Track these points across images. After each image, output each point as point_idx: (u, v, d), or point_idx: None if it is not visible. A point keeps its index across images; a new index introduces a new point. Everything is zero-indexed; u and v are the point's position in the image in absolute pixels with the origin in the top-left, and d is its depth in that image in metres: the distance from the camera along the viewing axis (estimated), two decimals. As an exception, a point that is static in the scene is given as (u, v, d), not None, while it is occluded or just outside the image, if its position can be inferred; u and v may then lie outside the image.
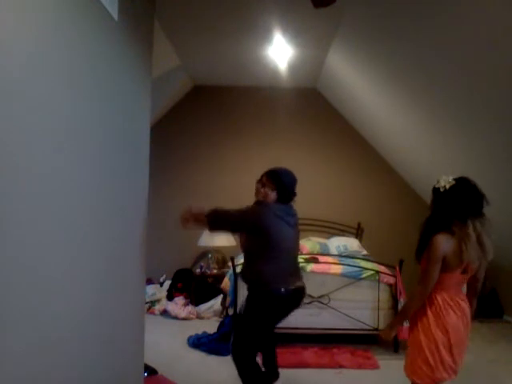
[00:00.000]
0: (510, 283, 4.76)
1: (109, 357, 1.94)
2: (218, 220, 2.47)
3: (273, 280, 2.43)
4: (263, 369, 2.67)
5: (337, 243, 5.04)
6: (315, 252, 4.56)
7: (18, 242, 1.21)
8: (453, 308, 2.00)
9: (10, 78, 1.15)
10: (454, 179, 2.02)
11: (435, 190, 2.06)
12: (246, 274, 2.58)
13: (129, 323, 2.22)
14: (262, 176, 2.59)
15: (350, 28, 3.64)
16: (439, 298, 2.01)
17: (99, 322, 1.80)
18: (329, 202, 5.73)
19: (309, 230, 5.26)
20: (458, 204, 1.97)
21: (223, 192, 5.63)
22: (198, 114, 5.82)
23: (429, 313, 2.01)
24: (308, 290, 2.68)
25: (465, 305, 2.05)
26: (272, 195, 2.49)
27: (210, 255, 5.42)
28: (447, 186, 2.00)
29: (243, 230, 2.59)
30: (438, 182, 2.05)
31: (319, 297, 3.70)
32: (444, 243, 1.95)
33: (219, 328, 3.99)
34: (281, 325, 2.63)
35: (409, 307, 2.10)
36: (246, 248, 2.57)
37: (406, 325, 3.64)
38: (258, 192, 2.57)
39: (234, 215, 2.46)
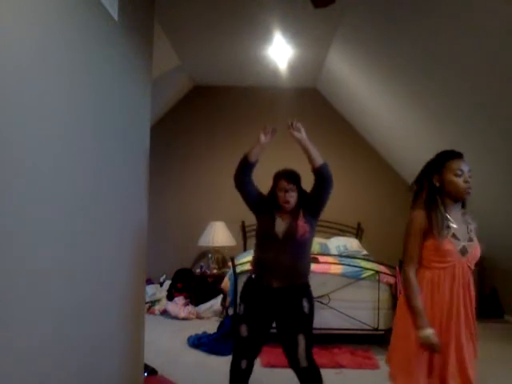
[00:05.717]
0: (510, 283, 4.75)
1: (109, 357, 1.94)
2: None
3: None
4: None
5: (337, 243, 5.04)
6: (315, 252, 4.55)
7: (18, 242, 1.21)
8: None
9: (10, 78, 1.15)
10: None
11: None
12: (306, 267, 2.43)
13: (129, 323, 2.22)
14: (277, 179, 2.43)
15: (350, 28, 3.64)
16: None
17: (99, 322, 1.81)
18: (329, 202, 5.70)
19: (309, 230, 5.25)
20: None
21: (223, 192, 5.62)
22: (197, 114, 5.81)
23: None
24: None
25: None
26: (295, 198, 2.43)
27: (210, 255, 5.42)
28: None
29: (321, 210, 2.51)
30: None
31: (319, 297, 3.70)
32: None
33: (219, 328, 3.99)
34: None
35: None
36: (309, 239, 2.40)
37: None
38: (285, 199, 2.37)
39: None
